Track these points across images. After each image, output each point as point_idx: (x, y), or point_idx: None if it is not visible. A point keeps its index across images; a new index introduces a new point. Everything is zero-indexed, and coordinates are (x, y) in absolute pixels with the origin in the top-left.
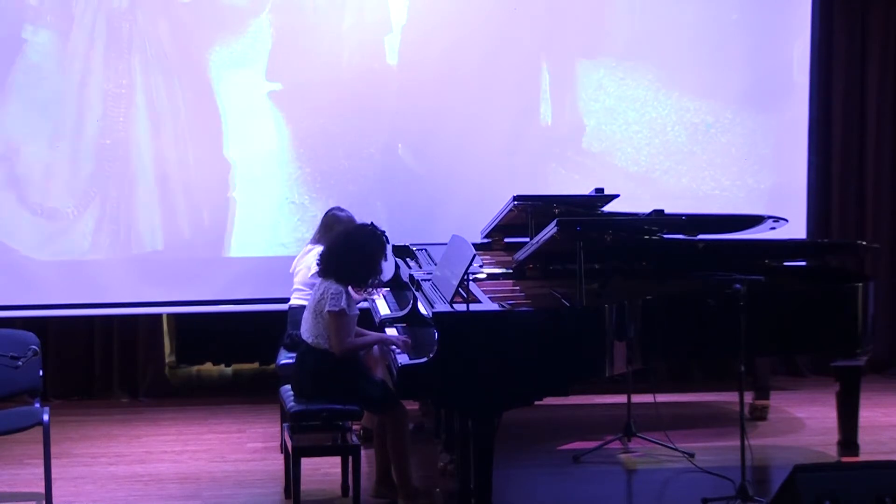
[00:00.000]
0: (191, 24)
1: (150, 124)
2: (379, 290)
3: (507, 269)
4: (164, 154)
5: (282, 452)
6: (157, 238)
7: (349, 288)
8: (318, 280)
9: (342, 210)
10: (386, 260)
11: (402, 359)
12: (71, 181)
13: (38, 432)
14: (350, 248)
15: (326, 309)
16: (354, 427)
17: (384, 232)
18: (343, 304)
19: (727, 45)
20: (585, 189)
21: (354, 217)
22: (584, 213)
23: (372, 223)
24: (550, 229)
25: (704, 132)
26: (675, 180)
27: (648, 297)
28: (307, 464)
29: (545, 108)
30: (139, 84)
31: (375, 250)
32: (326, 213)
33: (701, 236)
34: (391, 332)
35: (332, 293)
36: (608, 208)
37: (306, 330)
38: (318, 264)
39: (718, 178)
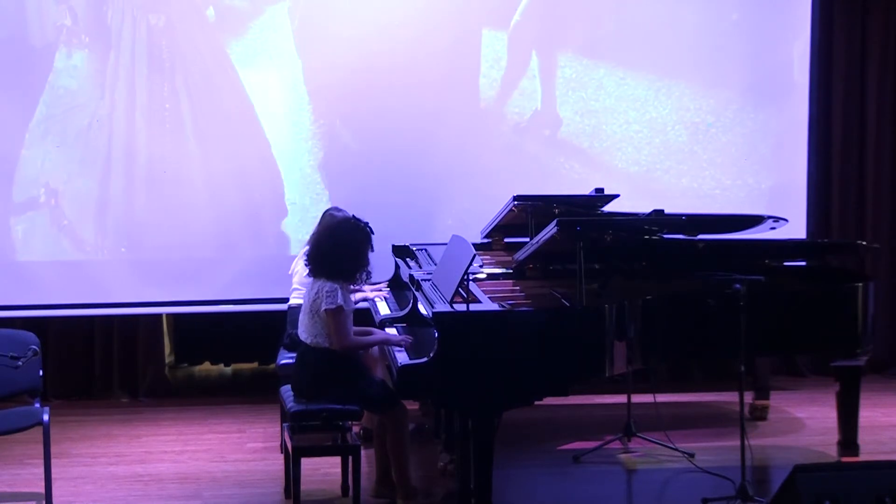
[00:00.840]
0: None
1: (147, 122)
2: (365, 284)
3: (507, 269)
4: (162, 156)
5: (282, 452)
6: (158, 238)
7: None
8: (310, 280)
9: (339, 210)
10: (373, 251)
11: (402, 359)
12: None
13: (38, 432)
14: (335, 244)
15: (323, 308)
16: (354, 427)
17: (367, 223)
18: (339, 300)
19: (727, 44)
20: (585, 189)
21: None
22: (584, 213)
23: (354, 216)
24: (550, 229)
25: (705, 131)
26: (675, 180)
27: (648, 297)
28: (307, 464)
29: (546, 107)
30: (140, 88)
31: (361, 242)
32: (324, 213)
33: (701, 236)
34: (391, 332)
35: (326, 291)
36: (608, 208)
37: (304, 330)
38: (306, 265)
39: (719, 178)
